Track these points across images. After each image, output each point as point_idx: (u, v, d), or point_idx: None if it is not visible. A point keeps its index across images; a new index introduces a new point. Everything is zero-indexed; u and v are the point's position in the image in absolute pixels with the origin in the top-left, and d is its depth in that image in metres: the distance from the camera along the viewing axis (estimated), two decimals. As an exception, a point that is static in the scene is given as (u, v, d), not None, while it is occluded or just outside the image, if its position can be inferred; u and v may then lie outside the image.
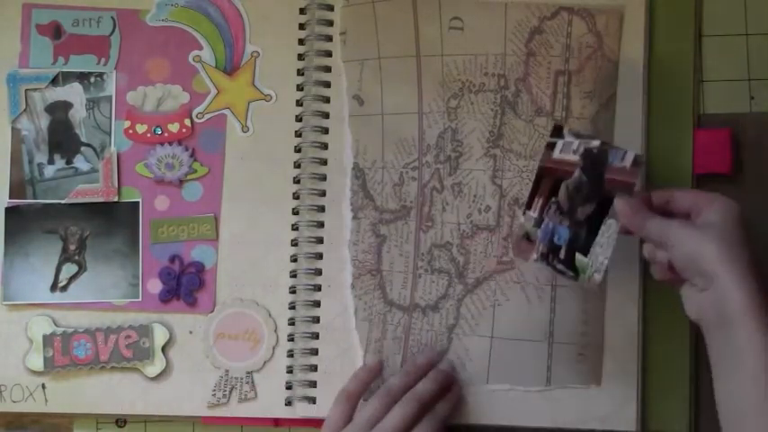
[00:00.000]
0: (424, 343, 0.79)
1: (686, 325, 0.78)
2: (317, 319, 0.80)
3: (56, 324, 0.81)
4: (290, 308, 0.81)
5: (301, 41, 0.83)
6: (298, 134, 0.82)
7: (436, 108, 0.81)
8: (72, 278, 0.82)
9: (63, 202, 0.82)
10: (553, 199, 0.72)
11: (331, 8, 0.83)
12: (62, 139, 0.83)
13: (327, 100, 0.82)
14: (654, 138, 0.80)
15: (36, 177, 0.82)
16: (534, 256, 0.73)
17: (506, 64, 0.80)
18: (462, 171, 0.80)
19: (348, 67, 0.82)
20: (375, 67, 0.81)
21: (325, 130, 0.82)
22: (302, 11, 0.83)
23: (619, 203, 0.70)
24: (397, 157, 0.81)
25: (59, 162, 0.82)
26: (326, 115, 0.82)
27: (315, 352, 0.80)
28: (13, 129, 0.83)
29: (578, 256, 0.71)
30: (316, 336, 0.80)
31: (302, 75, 0.83)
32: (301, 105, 0.82)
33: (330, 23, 0.82)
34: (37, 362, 0.81)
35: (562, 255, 0.72)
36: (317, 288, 0.80)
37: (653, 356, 0.78)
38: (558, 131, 0.73)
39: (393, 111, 0.81)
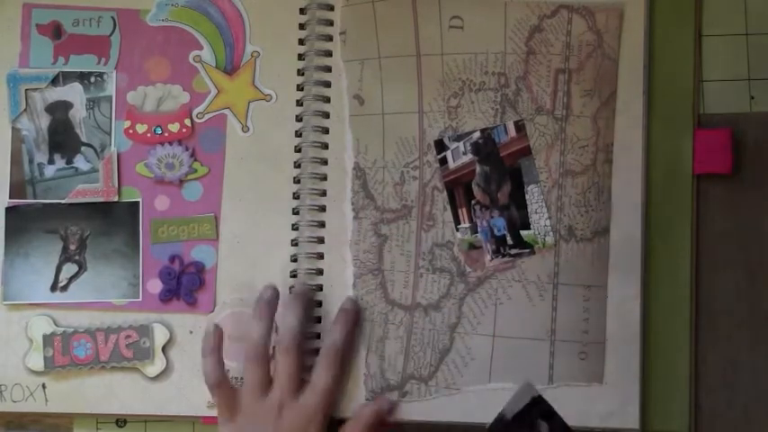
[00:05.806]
0: (427, 342, 0.79)
1: (688, 324, 0.78)
2: (318, 319, 0.80)
3: (56, 324, 0.81)
4: (291, 308, 0.81)
5: (301, 41, 0.83)
6: (298, 134, 0.82)
7: (436, 107, 0.81)
8: (72, 278, 0.81)
9: (63, 202, 0.82)
10: (473, 202, 0.78)
11: (331, 8, 0.83)
12: (62, 139, 0.82)
13: (328, 100, 0.82)
14: (654, 137, 0.80)
15: (36, 177, 0.82)
16: (488, 257, 0.78)
17: (506, 62, 0.80)
18: (463, 170, 0.81)
19: (348, 67, 0.82)
20: (375, 66, 0.81)
21: (326, 130, 0.82)
22: (302, 11, 0.83)
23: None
24: (398, 156, 0.81)
25: (59, 162, 0.82)
26: (327, 115, 0.82)
27: (317, 352, 0.80)
28: (13, 129, 0.83)
29: (522, 232, 0.77)
30: (317, 336, 0.80)
31: (302, 75, 0.82)
32: (301, 105, 0.82)
33: (330, 23, 0.82)
34: (37, 362, 0.80)
35: (510, 241, 0.78)
36: (319, 288, 0.80)
37: (654, 355, 0.78)
38: (440, 145, 0.79)
39: (393, 110, 0.81)
